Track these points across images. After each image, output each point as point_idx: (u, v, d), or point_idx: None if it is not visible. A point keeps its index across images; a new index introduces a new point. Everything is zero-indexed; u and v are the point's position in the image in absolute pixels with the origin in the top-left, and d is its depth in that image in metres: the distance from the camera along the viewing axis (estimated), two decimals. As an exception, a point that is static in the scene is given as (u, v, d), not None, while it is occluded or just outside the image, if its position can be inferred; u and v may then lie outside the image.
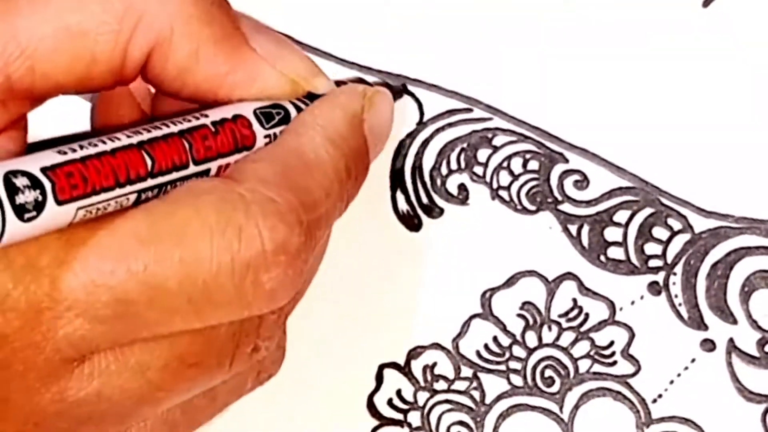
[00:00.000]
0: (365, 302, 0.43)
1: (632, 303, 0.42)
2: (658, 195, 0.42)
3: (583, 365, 0.42)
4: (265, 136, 0.36)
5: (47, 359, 0.31)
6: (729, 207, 0.42)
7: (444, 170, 0.43)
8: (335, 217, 0.37)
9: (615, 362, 0.42)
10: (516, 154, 0.43)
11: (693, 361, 0.42)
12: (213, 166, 0.35)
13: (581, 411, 0.42)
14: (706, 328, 0.42)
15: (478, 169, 0.43)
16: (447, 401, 0.42)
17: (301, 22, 0.44)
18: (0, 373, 0.31)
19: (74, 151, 0.31)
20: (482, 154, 0.43)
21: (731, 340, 0.42)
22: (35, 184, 0.30)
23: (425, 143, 0.43)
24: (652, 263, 0.42)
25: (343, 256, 0.43)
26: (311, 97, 0.37)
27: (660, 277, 0.42)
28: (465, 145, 0.43)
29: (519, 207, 0.43)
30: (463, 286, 0.43)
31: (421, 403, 0.43)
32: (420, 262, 0.43)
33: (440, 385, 0.43)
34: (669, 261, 0.42)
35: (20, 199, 0.30)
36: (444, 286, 0.43)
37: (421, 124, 0.43)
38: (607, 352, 0.42)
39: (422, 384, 0.43)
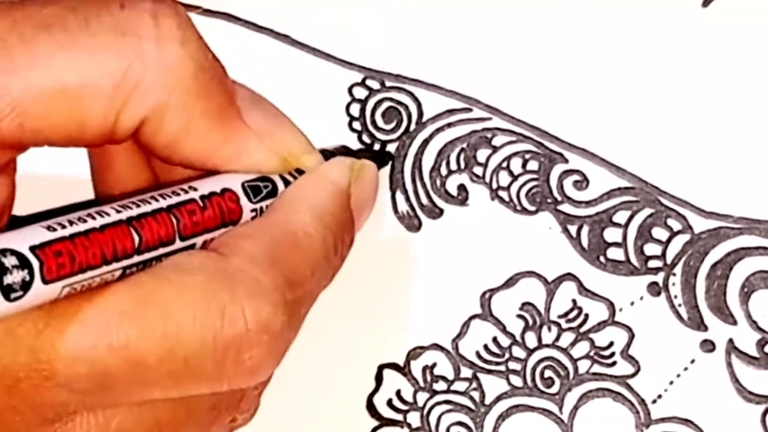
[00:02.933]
0: (365, 303, 0.43)
1: (632, 304, 0.42)
2: (657, 195, 0.42)
3: (583, 366, 0.42)
4: (252, 210, 0.36)
5: (26, 422, 0.31)
6: (728, 207, 0.42)
7: (443, 171, 0.43)
8: (319, 293, 0.37)
9: (614, 363, 0.42)
10: (515, 154, 0.43)
11: (693, 361, 0.42)
12: (198, 240, 0.35)
13: (581, 412, 0.42)
14: (705, 328, 0.42)
15: (478, 170, 0.43)
16: (446, 402, 0.42)
17: (300, 23, 0.44)
18: None
19: (63, 227, 0.31)
20: (482, 155, 0.43)
21: (731, 341, 0.42)
22: (23, 263, 0.30)
23: (425, 143, 0.43)
24: (652, 264, 0.42)
25: (342, 256, 0.43)
26: (300, 171, 0.38)
27: (660, 277, 0.42)
28: (464, 146, 0.43)
29: (518, 207, 0.43)
30: (462, 287, 0.43)
31: (420, 403, 0.43)
32: (420, 262, 0.43)
33: (440, 385, 0.43)
34: (669, 261, 0.42)
35: (8, 279, 0.30)
36: (443, 287, 0.43)
37: (421, 125, 0.43)
38: (606, 353, 0.42)
39: (422, 384, 0.43)
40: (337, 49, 0.44)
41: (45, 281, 0.30)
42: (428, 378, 0.43)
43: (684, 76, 0.42)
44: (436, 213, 0.43)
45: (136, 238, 0.33)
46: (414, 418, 0.43)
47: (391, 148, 0.43)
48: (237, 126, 0.36)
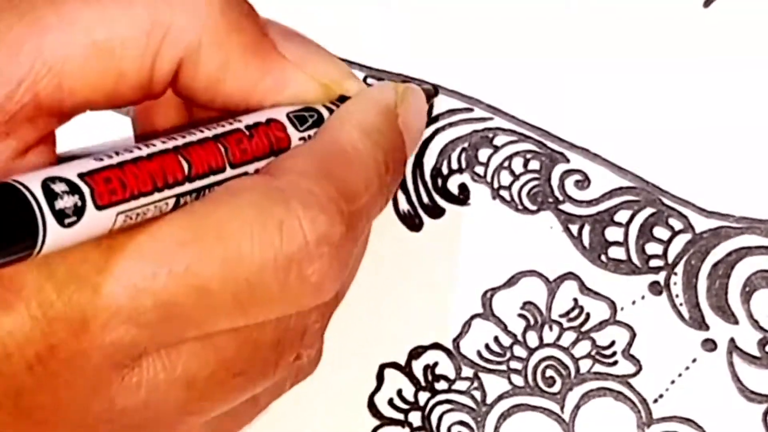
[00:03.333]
0: (366, 302, 0.43)
1: (633, 303, 0.42)
2: (659, 195, 0.42)
3: (584, 365, 0.42)
4: (300, 139, 0.36)
5: (95, 367, 0.31)
6: (730, 207, 0.42)
7: (445, 170, 0.43)
8: (376, 211, 0.37)
9: (616, 362, 0.42)
10: (517, 153, 0.43)
11: (694, 361, 0.42)
12: (250, 169, 0.35)
13: (582, 411, 0.42)
14: (707, 328, 0.42)
15: (479, 169, 0.43)
16: (448, 401, 0.42)
17: (301, 22, 0.44)
18: (49, 381, 0.31)
19: (110, 157, 0.31)
20: (483, 154, 0.43)
21: (732, 340, 0.42)
22: (74, 189, 0.30)
23: (426, 143, 0.43)
24: (653, 263, 0.42)
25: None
26: (343, 99, 0.37)
27: (661, 277, 0.42)
28: (466, 145, 0.43)
29: (520, 207, 0.43)
30: (463, 286, 0.43)
31: (421, 403, 0.43)
32: (421, 262, 0.43)
33: (441, 385, 0.42)
34: (670, 261, 0.42)
35: (59, 204, 0.30)
36: (445, 286, 0.43)
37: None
38: (608, 352, 0.42)
39: (423, 384, 0.43)
40: (338, 48, 0.44)
41: (98, 207, 0.30)
42: (429, 377, 0.43)
43: (684, 76, 0.42)
44: (437, 212, 0.43)
45: (185, 165, 0.33)
46: (415, 418, 0.43)
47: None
48: (274, 57, 0.36)
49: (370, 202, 0.35)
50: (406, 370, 0.43)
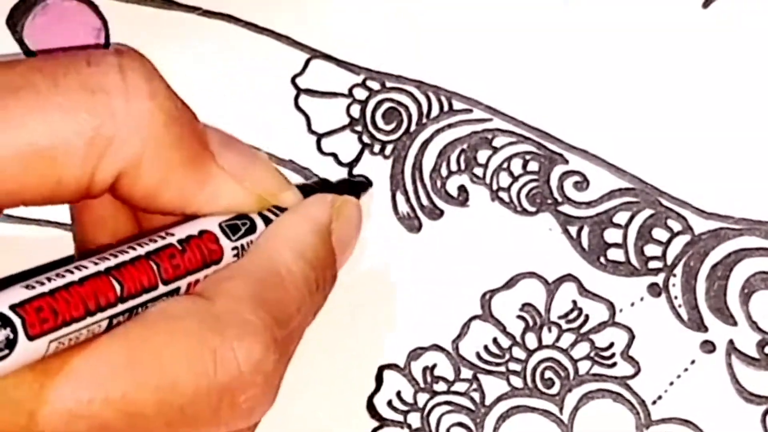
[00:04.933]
0: (365, 303, 0.43)
1: (632, 304, 0.42)
2: (658, 196, 0.42)
3: (583, 367, 0.42)
4: (233, 248, 0.36)
5: None
6: (729, 208, 0.42)
7: (444, 172, 0.43)
8: (305, 329, 0.37)
9: (615, 364, 0.42)
10: (516, 155, 0.43)
11: (693, 362, 0.42)
12: (182, 284, 0.35)
13: (581, 412, 0.42)
14: (706, 329, 0.42)
15: (478, 171, 0.43)
16: (447, 402, 0.42)
17: (300, 24, 0.44)
18: None
19: (42, 284, 0.31)
20: (482, 156, 0.43)
21: (731, 342, 0.42)
22: (5, 322, 0.30)
23: (425, 144, 0.43)
24: (652, 265, 0.42)
25: (343, 257, 0.43)
26: (278, 206, 0.38)
27: (660, 278, 0.42)
28: (465, 147, 0.43)
29: (519, 208, 0.43)
30: (462, 288, 0.43)
31: (421, 404, 0.43)
32: (420, 263, 0.43)
33: (440, 386, 0.43)
34: (669, 262, 0.42)
35: None
36: (444, 288, 0.43)
37: (421, 125, 0.43)
38: (606, 354, 0.42)
39: (422, 385, 0.43)
40: (337, 50, 0.44)
41: (30, 337, 0.30)
42: (428, 379, 0.43)
43: (684, 77, 0.42)
44: (436, 214, 0.43)
45: (118, 287, 0.33)
46: (414, 419, 0.43)
47: (391, 149, 0.43)
48: (212, 170, 0.36)
49: (301, 323, 0.36)
50: (405, 371, 0.43)
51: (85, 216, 0.39)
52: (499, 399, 0.42)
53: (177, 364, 0.32)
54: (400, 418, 0.43)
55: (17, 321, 0.30)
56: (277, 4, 0.44)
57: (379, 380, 0.43)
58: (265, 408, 0.35)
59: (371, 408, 0.43)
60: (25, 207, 0.34)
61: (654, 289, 0.42)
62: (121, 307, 0.33)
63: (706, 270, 0.42)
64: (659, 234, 0.42)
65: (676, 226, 0.42)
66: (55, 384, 0.31)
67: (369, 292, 0.43)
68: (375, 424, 0.43)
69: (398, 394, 0.43)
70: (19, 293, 0.31)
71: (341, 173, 0.43)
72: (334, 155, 0.43)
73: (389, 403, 0.43)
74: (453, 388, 0.42)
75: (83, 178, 0.34)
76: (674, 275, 0.42)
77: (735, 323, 0.42)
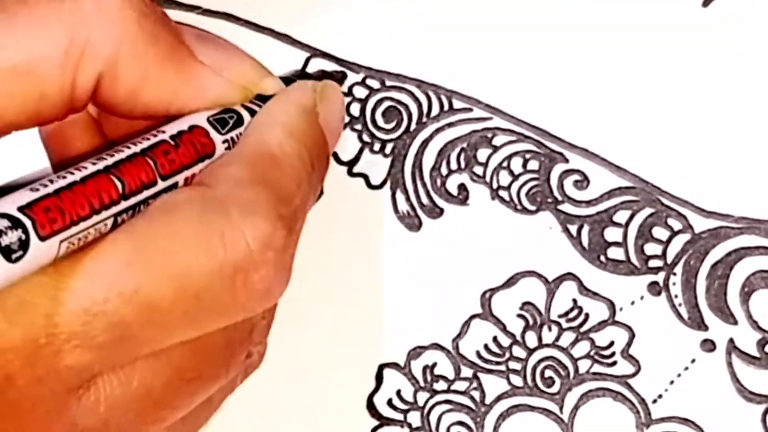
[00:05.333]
0: (365, 302, 0.43)
1: (632, 303, 0.42)
2: (658, 195, 0.42)
3: (583, 365, 0.42)
4: (224, 141, 0.36)
5: (53, 392, 0.31)
6: (729, 207, 0.42)
7: (444, 170, 0.43)
8: (309, 208, 0.37)
9: (615, 362, 0.42)
10: (516, 153, 0.43)
11: (693, 361, 0.42)
12: (180, 178, 0.35)
13: (581, 411, 0.42)
14: (706, 328, 0.42)
15: (478, 169, 0.43)
16: (447, 401, 0.42)
17: (300, 23, 0.44)
18: (9, 410, 0.31)
19: (45, 186, 0.31)
20: (482, 154, 0.43)
21: (731, 341, 0.42)
22: (16, 224, 0.30)
23: (425, 143, 0.43)
24: (652, 263, 0.42)
25: (343, 256, 0.43)
26: (261, 98, 0.38)
27: (660, 277, 0.42)
28: (465, 145, 0.43)
29: (519, 207, 0.43)
30: (462, 287, 0.43)
31: (421, 403, 0.43)
32: (420, 262, 0.43)
33: (440, 385, 0.42)
34: (669, 261, 0.42)
35: (5, 240, 0.30)
36: (444, 287, 0.43)
37: (421, 124, 0.43)
38: (607, 353, 0.42)
39: (422, 384, 0.43)
40: (337, 48, 0.44)
41: (41, 237, 0.30)
42: (428, 377, 0.43)
43: (684, 76, 0.42)
44: (436, 212, 0.43)
45: (119, 184, 0.33)
46: (414, 418, 0.43)
47: (391, 147, 0.43)
48: (191, 64, 0.36)
49: (303, 200, 0.36)
50: (405, 370, 0.43)
51: (57, 143, 0.39)
52: (499, 398, 0.42)
53: (186, 252, 0.32)
54: (400, 417, 0.43)
55: (28, 222, 0.30)
56: (276, 3, 0.44)
57: (379, 379, 0.43)
58: (281, 288, 0.34)
59: (371, 407, 0.43)
60: (15, 131, 0.34)
61: (654, 288, 0.42)
62: (124, 205, 0.33)
63: (706, 269, 0.42)
64: (659, 233, 0.42)
65: (677, 225, 0.42)
66: (69, 285, 0.31)
67: (369, 290, 0.43)
68: (375, 422, 0.43)
69: (398, 392, 0.43)
70: (25, 195, 0.31)
71: (341, 172, 0.43)
72: (334, 154, 0.43)
73: (389, 402, 0.43)
74: (453, 387, 0.42)
75: (65, 87, 0.34)
76: (674, 274, 0.42)
77: (735, 322, 0.42)
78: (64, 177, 0.32)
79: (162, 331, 0.32)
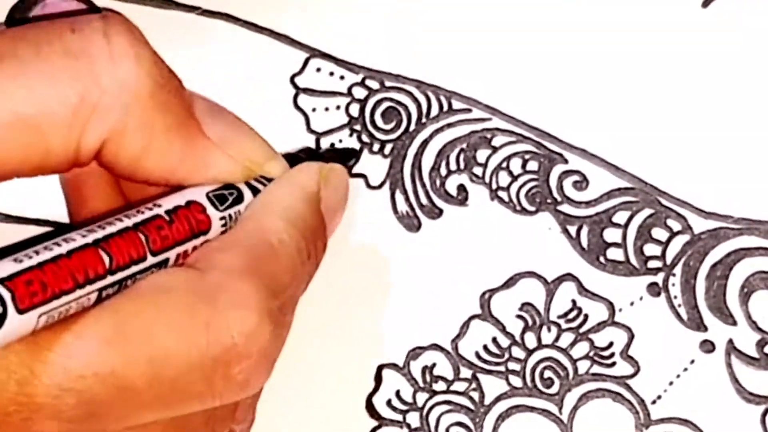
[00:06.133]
0: (364, 303, 0.43)
1: (631, 304, 0.42)
2: (657, 196, 0.42)
3: (583, 366, 0.42)
4: (221, 218, 0.36)
5: None
6: (728, 208, 0.42)
7: (443, 171, 0.43)
8: (299, 298, 0.37)
9: (614, 363, 0.42)
10: (515, 154, 0.43)
11: (692, 362, 0.42)
12: (171, 254, 0.34)
13: (580, 412, 0.42)
14: (705, 329, 0.42)
15: (478, 170, 0.43)
16: (446, 402, 0.42)
17: (300, 23, 0.44)
18: None
19: (30, 257, 0.31)
20: (481, 155, 0.43)
21: (731, 341, 0.42)
22: None
23: (424, 144, 0.43)
24: (652, 264, 0.42)
25: (342, 256, 0.43)
26: (264, 176, 0.38)
27: (659, 278, 0.42)
28: (464, 146, 0.43)
29: (518, 208, 0.43)
30: (462, 287, 0.43)
31: (420, 403, 0.43)
32: (419, 262, 0.43)
33: (439, 385, 0.42)
34: (668, 262, 0.42)
35: None
36: (443, 287, 0.43)
37: (420, 125, 0.43)
38: (606, 353, 0.42)
39: (421, 385, 0.43)
40: (336, 48, 0.44)
41: (19, 311, 0.30)
42: (428, 378, 0.43)
43: (684, 76, 0.42)
44: (435, 213, 0.43)
45: (106, 259, 0.32)
46: (413, 419, 0.43)
47: (390, 148, 0.43)
48: (197, 138, 0.36)
49: (295, 293, 0.36)
50: (405, 370, 0.43)
51: (75, 191, 0.39)
52: (498, 398, 0.42)
53: (168, 337, 0.32)
54: (399, 417, 0.43)
55: (6, 295, 0.30)
56: (276, 3, 0.44)
57: (378, 380, 0.43)
58: (262, 380, 0.34)
59: (370, 407, 0.43)
60: (17, 178, 0.34)
61: (653, 289, 0.42)
62: (110, 279, 0.32)
63: (705, 269, 0.42)
64: (659, 233, 0.42)
65: (676, 226, 0.42)
66: (47, 358, 0.31)
67: (368, 291, 0.43)
68: (374, 423, 0.43)
69: (397, 393, 0.43)
70: (7, 267, 0.31)
71: (340, 173, 0.43)
72: (334, 154, 0.43)
73: (388, 402, 0.43)
74: (452, 388, 0.42)
75: (70, 145, 0.33)
76: (674, 275, 0.42)
77: (734, 323, 0.42)
78: (51, 249, 0.32)
79: (134, 411, 0.32)
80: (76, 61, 0.33)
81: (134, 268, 0.33)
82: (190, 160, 0.35)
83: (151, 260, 0.34)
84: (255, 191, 0.37)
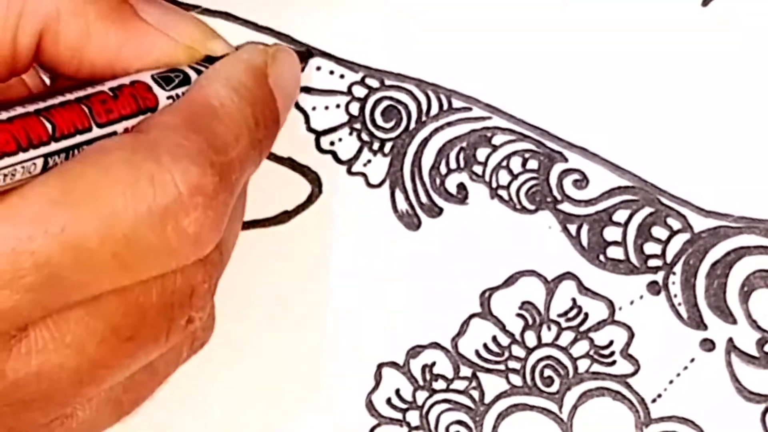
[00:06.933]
0: (364, 301, 0.43)
1: (631, 303, 0.42)
2: (657, 194, 0.42)
3: (583, 365, 0.42)
4: (168, 98, 0.36)
5: None
6: (728, 206, 0.42)
7: (443, 169, 0.43)
8: (250, 166, 0.37)
9: (614, 362, 0.42)
10: (515, 153, 0.43)
11: (692, 360, 0.42)
12: (118, 128, 0.35)
13: (580, 411, 0.42)
14: (705, 327, 0.42)
15: (478, 168, 0.43)
16: (446, 401, 0.42)
17: (299, 22, 0.44)
18: None
19: None
20: (481, 153, 0.43)
21: (731, 340, 0.42)
22: None
23: (424, 142, 0.43)
24: (652, 263, 0.42)
25: (342, 255, 0.43)
26: (210, 60, 0.38)
27: (659, 276, 0.42)
28: (464, 144, 0.43)
29: (518, 206, 0.43)
30: (462, 286, 0.43)
31: (420, 402, 0.43)
32: (419, 261, 0.43)
33: (439, 384, 0.42)
34: (668, 260, 0.42)
35: None
36: (443, 286, 0.43)
37: (420, 123, 0.43)
38: (606, 352, 0.42)
39: (421, 383, 0.43)
40: (336, 47, 0.44)
41: None
42: (427, 377, 0.43)
43: (684, 76, 0.42)
44: (435, 212, 0.43)
45: (49, 126, 0.33)
46: (413, 417, 0.43)
47: (390, 147, 0.43)
48: (134, 22, 0.36)
49: (241, 155, 0.35)
50: (404, 369, 0.43)
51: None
52: (498, 397, 0.42)
53: (115, 193, 0.32)
54: (398, 416, 0.43)
55: None
56: (276, 2, 0.44)
57: (378, 378, 0.43)
58: (213, 235, 0.34)
59: (370, 406, 0.43)
60: None
61: (653, 288, 0.42)
62: (54, 146, 0.33)
63: (705, 268, 0.42)
64: (659, 232, 0.42)
65: (676, 225, 0.42)
66: None
67: (368, 289, 0.43)
68: (374, 421, 0.43)
69: (397, 392, 0.43)
70: None
71: (340, 171, 0.43)
72: (333, 153, 0.43)
73: (388, 401, 0.43)
74: (452, 386, 0.42)
75: (5, 45, 0.34)
76: (674, 273, 0.42)
77: (734, 321, 0.42)
78: None
79: (91, 273, 0.32)
80: None
81: (80, 138, 0.33)
82: (130, 44, 0.36)
83: (97, 132, 0.34)
84: (200, 74, 0.37)
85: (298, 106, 0.44)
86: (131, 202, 0.32)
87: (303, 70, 0.42)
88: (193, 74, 0.37)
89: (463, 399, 0.42)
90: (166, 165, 0.33)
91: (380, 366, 0.43)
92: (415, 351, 0.43)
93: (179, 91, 0.36)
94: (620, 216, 0.42)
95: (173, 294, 0.35)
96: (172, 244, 0.33)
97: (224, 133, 0.35)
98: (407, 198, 0.43)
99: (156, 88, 0.36)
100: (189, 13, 0.38)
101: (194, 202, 0.33)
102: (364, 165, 0.43)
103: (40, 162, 0.32)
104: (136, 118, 0.35)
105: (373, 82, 0.43)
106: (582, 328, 0.42)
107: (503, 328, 0.42)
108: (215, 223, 0.34)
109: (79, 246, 0.32)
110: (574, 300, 0.42)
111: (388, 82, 0.43)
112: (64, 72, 0.36)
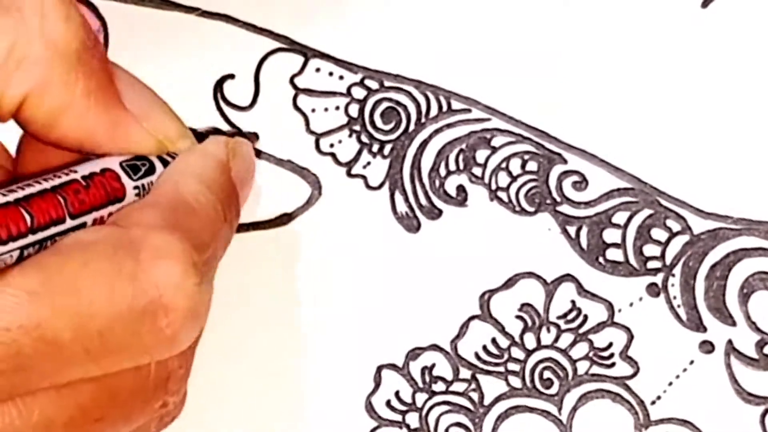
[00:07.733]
0: (364, 303, 0.43)
1: (631, 305, 0.42)
2: (657, 196, 0.42)
3: (582, 367, 0.42)
4: (134, 188, 0.36)
5: None
6: (728, 208, 0.42)
7: (443, 171, 0.43)
8: (219, 260, 0.37)
9: (614, 364, 0.42)
10: (515, 155, 0.43)
11: (692, 362, 0.42)
12: (89, 219, 0.35)
13: (580, 413, 0.42)
14: (704, 329, 0.42)
15: (477, 170, 0.43)
16: (445, 402, 0.42)
17: (299, 24, 0.44)
18: None
19: None
20: (481, 155, 0.43)
21: (730, 342, 0.42)
22: None
23: (424, 144, 0.43)
24: (651, 265, 0.42)
25: (341, 257, 0.43)
26: (172, 154, 0.38)
27: (659, 278, 0.42)
28: (463, 146, 0.43)
29: (518, 208, 0.43)
30: (461, 288, 0.42)
31: (419, 404, 0.43)
32: (419, 263, 0.43)
33: (439, 386, 0.42)
34: (668, 262, 0.42)
35: None
36: (442, 288, 0.43)
37: (420, 125, 0.43)
38: (605, 354, 0.42)
39: (421, 385, 0.43)
40: (335, 49, 0.44)
41: None
42: (427, 379, 0.43)
43: (684, 77, 0.42)
44: (435, 214, 0.43)
45: (28, 218, 0.33)
46: (413, 419, 0.43)
47: (389, 149, 0.43)
48: (116, 107, 0.36)
49: (216, 252, 0.36)
50: (404, 371, 0.43)
51: None
52: (497, 399, 0.42)
53: (93, 289, 0.32)
54: (398, 418, 0.43)
55: None
56: (275, 4, 0.44)
57: (377, 380, 0.43)
58: (190, 335, 0.34)
59: (369, 408, 0.43)
60: None
61: (653, 289, 0.42)
62: (31, 238, 0.33)
63: (705, 270, 0.42)
64: (658, 234, 0.42)
65: (675, 226, 0.42)
66: None
67: (367, 291, 0.43)
68: (373, 423, 0.43)
69: (397, 394, 0.43)
70: None
71: (340, 173, 0.43)
72: (333, 155, 0.43)
73: (388, 403, 0.43)
74: (451, 388, 0.42)
75: None
76: (673, 275, 0.42)
77: (734, 323, 0.42)
78: None
79: (62, 365, 0.32)
80: (7, 14, 0.34)
81: (54, 230, 0.33)
82: (105, 127, 0.36)
83: (69, 223, 0.34)
84: (166, 165, 0.37)
85: (297, 108, 0.44)
86: (109, 300, 0.32)
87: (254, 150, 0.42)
88: (158, 163, 0.37)
89: (462, 401, 0.42)
90: (148, 264, 0.33)
91: (380, 368, 0.43)
92: (414, 353, 0.43)
93: (145, 181, 0.37)
94: (620, 218, 0.42)
95: (148, 380, 0.34)
96: (147, 344, 0.33)
97: (203, 231, 0.35)
98: (407, 200, 0.43)
99: (124, 178, 0.36)
100: (166, 105, 0.38)
101: (174, 302, 0.33)
102: (364, 167, 0.43)
103: (16, 254, 0.32)
104: (105, 209, 0.35)
105: (373, 84, 0.43)
106: (581, 330, 0.42)
107: (503, 330, 0.42)
108: (193, 323, 0.34)
109: (52, 341, 0.31)
110: (573, 302, 0.42)
111: (387, 84, 0.43)
112: (33, 132, 0.36)
